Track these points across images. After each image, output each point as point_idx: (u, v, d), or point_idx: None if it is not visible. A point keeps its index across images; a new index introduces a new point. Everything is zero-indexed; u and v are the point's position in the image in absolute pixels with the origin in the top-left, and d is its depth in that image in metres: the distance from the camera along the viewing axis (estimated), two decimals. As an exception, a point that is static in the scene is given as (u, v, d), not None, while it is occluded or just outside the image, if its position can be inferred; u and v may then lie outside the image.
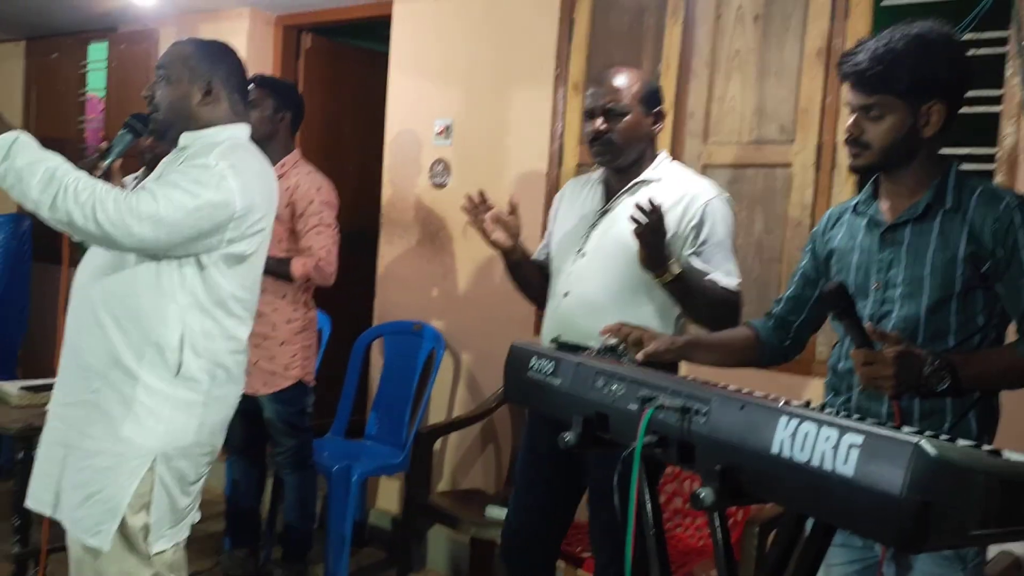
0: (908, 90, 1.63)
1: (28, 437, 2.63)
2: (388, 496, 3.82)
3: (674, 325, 2.25)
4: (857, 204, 1.81)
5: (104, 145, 2.08)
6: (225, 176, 1.93)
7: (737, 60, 2.94)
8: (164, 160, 2.11)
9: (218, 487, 3.58)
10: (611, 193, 2.32)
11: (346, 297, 3.30)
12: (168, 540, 2.00)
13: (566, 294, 2.27)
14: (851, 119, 1.70)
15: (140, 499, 1.94)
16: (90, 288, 1.98)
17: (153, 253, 1.92)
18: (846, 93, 1.73)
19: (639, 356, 1.77)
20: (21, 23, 5.20)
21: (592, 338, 1.91)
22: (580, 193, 2.41)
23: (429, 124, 3.68)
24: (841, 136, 2.24)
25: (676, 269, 2.05)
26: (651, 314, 2.20)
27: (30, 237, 4.88)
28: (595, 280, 2.24)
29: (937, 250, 1.65)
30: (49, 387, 2.05)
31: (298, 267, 3.05)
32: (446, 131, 3.63)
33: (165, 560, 2.01)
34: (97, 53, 5.23)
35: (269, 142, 3.18)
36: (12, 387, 2.95)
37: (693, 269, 2.14)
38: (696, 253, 2.18)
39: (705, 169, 2.97)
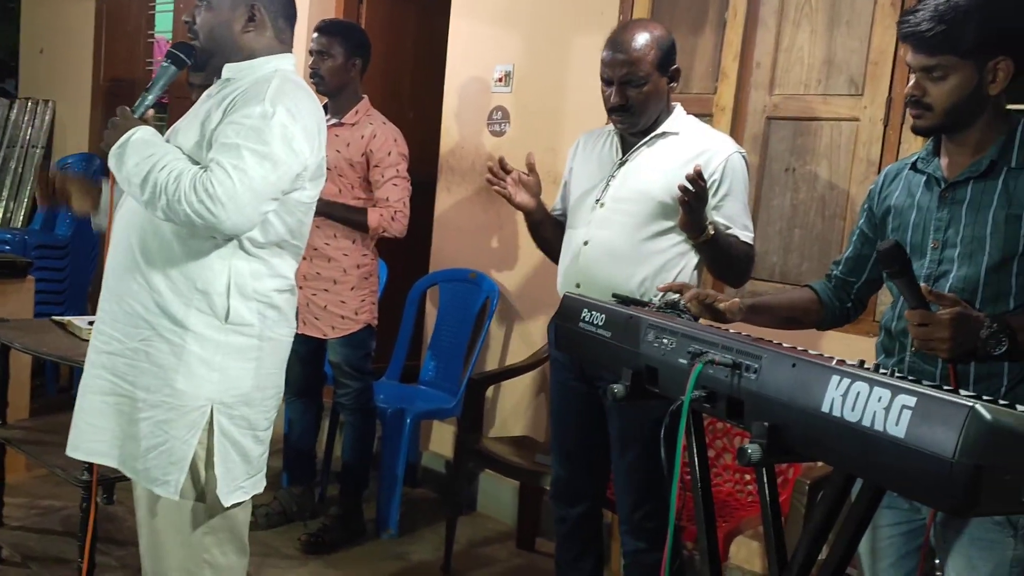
0: (973, 49, 1.56)
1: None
2: (442, 440, 3.89)
3: (693, 273, 2.28)
4: (917, 161, 1.76)
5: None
6: (289, 130, 1.79)
7: (807, 8, 2.84)
8: (207, 93, 1.96)
9: (277, 426, 3.67)
10: (628, 144, 2.35)
11: (402, 244, 3.33)
12: (245, 492, 1.90)
13: (585, 243, 2.31)
14: (912, 79, 1.64)
15: (205, 451, 1.84)
16: (131, 233, 1.87)
17: (242, 234, 1.81)
18: (907, 54, 1.66)
19: (725, 310, 1.77)
20: (91, -35, 5.28)
21: (612, 287, 2.04)
22: (595, 146, 2.44)
23: (489, 71, 3.65)
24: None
25: (712, 231, 2.10)
26: (669, 262, 2.25)
27: (101, 176, 5.00)
28: (615, 229, 2.28)
29: (1000, 208, 1.59)
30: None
31: (374, 218, 3.09)
32: (506, 78, 3.60)
33: (238, 513, 1.92)
34: (164, -5, 5.29)
35: (342, 91, 3.18)
36: (82, 322, 3.05)
37: (720, 227, 2.18)
38: (715, 208, 2.20)
39: (769, 121, 2.91)
